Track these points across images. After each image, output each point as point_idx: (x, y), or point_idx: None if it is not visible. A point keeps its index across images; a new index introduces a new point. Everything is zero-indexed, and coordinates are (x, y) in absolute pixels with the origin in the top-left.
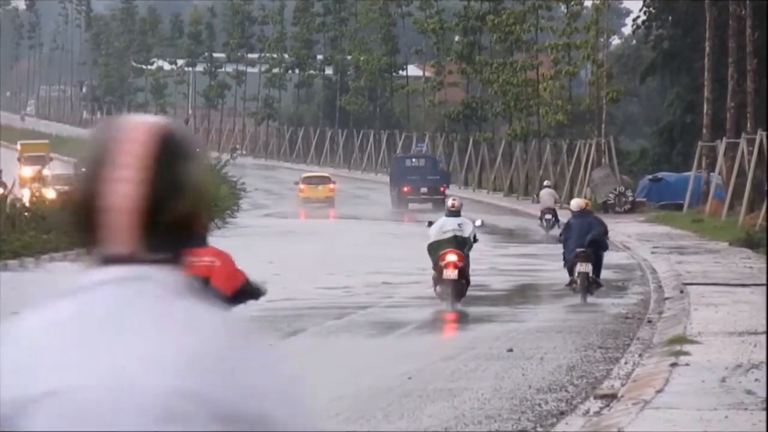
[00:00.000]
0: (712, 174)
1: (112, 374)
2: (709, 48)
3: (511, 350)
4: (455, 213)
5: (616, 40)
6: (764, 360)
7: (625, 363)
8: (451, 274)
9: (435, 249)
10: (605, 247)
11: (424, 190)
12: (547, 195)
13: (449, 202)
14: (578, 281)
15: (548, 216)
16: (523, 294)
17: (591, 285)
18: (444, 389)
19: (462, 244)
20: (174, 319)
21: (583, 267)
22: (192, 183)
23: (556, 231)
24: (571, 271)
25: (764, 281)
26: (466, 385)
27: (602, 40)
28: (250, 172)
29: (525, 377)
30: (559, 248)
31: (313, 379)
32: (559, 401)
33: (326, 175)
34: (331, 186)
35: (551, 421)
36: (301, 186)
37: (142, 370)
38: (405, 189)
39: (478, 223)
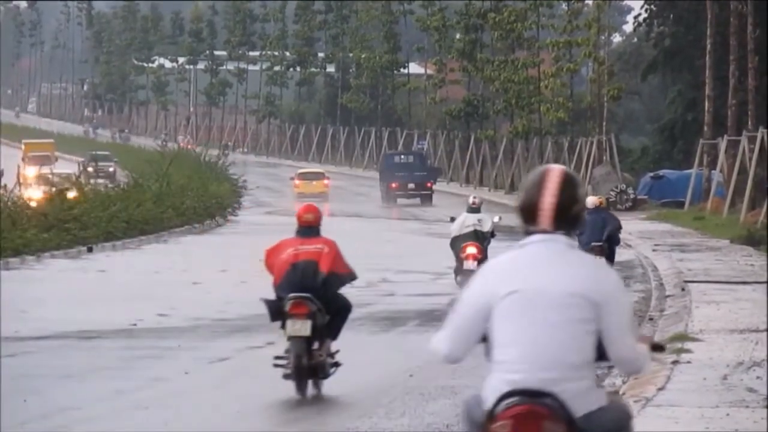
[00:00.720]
0: (713, 171)
1: (540, 282)
2: (710, 45)
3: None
4: (476, 209)
5: (617, 38)
6: (765, 357)
7: None
8: (470, 265)
9: (457, 242)
10: (618, 242)
11: (411, 185)
12: None
13: (470, 199)
14: None
15: None
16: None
17: None
18: (446, 386)
19: (482, 238)
20: (568, 257)
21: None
22: (578, 199)
23: None
24: None
25: (765, 279)
26: (467, 383)
27: (603, 37)
28: (252, 170)
29: None
30: None
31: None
32: None
33: (320, 171)
34: (325, 181)
35: None
36: (297, 181)
37: (554, 281)
38: (393, 185)
39: (496, 219)
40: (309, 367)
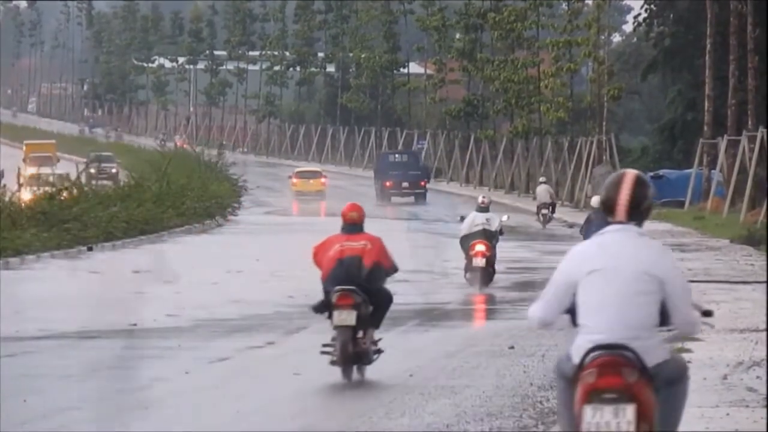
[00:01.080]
0: (713, 171)
1: (616, 263)
2: (710, 45)
3: (512, 347)
4: (484, 209)
5: (617, 38)
6: (765, 357)
7: None
8: (479, 262)
9: (466, 241)
10: None
11: (405, 184)
12: (543, 191)
13: (480, 199)
14: None
15: (544, 211)
16: (525, 290)
17: None
18: (445, 386)
19: (490, 237)
20: (638, 243)
21: None
22: (647, 197)
23: (553, 225)
24: None
25: (765, 278)
26: (467, 383)
27: (603, 37)
28: (252, 170)
29: (526, 374)
30: (556, 245)
31: (314, 375)
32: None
33: (318, 169)
34: (323, 180)
35: (552, 418)
36: (294, 180)
37: (627, 261)
38: (387, 183)
39: (504, 218)
40: (354, 354)
